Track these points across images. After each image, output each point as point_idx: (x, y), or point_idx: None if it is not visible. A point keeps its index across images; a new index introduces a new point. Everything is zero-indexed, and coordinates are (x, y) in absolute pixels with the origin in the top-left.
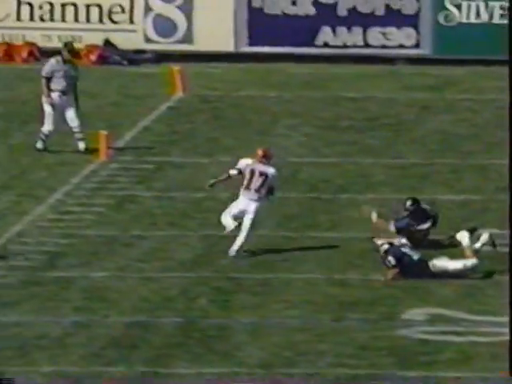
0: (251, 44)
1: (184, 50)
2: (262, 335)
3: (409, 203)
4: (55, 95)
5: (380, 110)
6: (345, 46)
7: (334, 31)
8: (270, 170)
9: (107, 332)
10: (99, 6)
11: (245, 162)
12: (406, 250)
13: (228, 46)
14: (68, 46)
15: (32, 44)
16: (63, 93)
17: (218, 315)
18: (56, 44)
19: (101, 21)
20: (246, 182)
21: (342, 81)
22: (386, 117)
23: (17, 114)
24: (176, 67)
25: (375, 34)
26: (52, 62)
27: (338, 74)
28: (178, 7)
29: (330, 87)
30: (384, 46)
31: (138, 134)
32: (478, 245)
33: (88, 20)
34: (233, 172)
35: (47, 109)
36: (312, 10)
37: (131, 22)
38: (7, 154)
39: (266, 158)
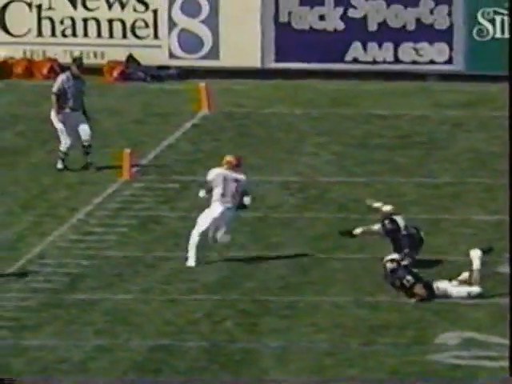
0: (278, 60)
1: (209, 66)
2: (289, 360)
3: (386, 223)
4: (67, 112)
5: (411, 127)
6: (375, 62)
7: (364, 47)
8: (243, 177)
9: (130, 356)
10: (122, 21)
11: (215, 172)
12: (415, 270)
13: (254, 62)
14: (77, 61)
15: (53, 60)
16: (74, 109)
17: (244, 339)
18: None
19: (124, 36)
20: (221, 190)
21: (371, 98)
22: (417, 135)
23: (37, 131)
24: (202, 83)
25: (406, 50)
26: (63, 79)
27: (368, 91)
28: (203, 22)
29: (359, 104)
30: (415, 62)
31: (162, 153)
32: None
33: (111, 35)
34: (203, 193)
35: (59, 126)
36: (341, 25)
37: (155, 37)
38: (28, 173)
39: (239, 166)
